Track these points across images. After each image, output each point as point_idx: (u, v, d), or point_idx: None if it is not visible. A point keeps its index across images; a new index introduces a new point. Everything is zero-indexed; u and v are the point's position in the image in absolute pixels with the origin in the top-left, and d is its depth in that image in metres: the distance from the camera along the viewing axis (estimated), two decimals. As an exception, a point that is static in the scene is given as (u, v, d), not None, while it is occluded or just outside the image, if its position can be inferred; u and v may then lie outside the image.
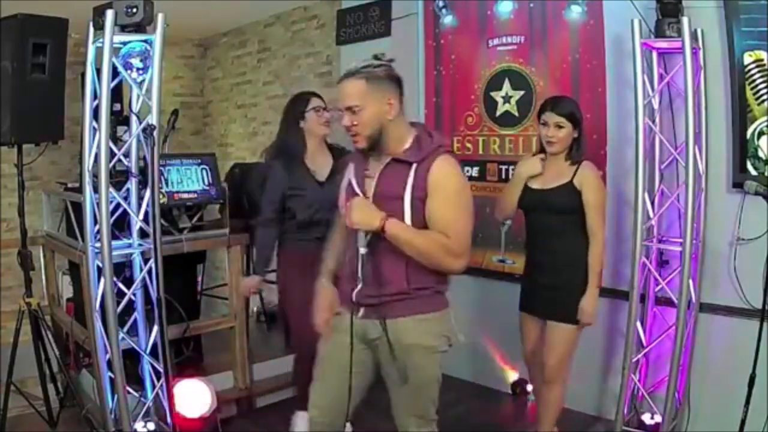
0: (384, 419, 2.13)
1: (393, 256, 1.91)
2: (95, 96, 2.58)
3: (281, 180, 2.87)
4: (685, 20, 2.64)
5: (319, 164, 2.94)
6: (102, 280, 2.59)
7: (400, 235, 1.87)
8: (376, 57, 1.96)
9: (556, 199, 2.62)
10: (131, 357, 2.81)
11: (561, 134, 2.60)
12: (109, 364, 2.66)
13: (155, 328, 2.74)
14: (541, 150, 2.71)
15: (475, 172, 3.79)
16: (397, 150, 1.95)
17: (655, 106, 2.90)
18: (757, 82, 2.71)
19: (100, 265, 2.60)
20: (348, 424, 3.01)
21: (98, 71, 2.56)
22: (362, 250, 1.92)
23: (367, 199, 1.94)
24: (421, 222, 1.91)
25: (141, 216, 2.76)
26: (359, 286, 1.97)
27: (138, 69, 2.65)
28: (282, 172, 2.87)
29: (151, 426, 2.82)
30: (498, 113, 3.67)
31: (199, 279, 3.99)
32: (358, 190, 1.99)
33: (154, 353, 2.76)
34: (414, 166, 1.92)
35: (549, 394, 2.72)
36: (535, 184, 2.68)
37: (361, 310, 1.99)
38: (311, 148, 2.94)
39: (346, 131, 1.96)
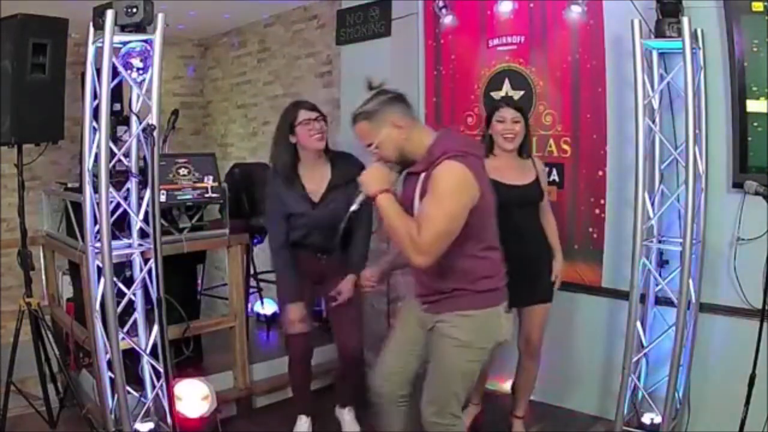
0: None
1: (439, 260, 2.00)
2: (95, 96, 2.57)
3: (280, 203, 2.82)
4: (685, 20, 2.64)
5: (316, 181, 2.82)
6: (102, 280, 2.59)
7: (385, 209, 1.99)
8: (370, 86, 2.11)
9: (530, 194, 2.80)
10: (131, 357, 2.81)
11: (517, 128, 2.76)
12: (109, 364, 2.66)
13: (155, 328, 2.73)
14: (490, 149, 2.82)
15: (475, 172, 3.78)
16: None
17: (655, 106, 2.90)
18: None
19: (100, 265, 2.60)
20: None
21: (98, 71, 2.55)
22: (352, 207, 2.08)
23: (385, 168, 2.07)
24: None
25: (141, 216, 2.76)
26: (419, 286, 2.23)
27: (138, 69, 2.64)
28: (279, 196, 2.82)
29: (151, 426, 2.82)
30: (498, 113, 3.66)
31: (199, 279, 3.99)
32: (416, 203, 2.08)
33: (154, 353, 2.76)
34: (422, 175, 2.05)
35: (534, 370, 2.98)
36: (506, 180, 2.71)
37: (424, 305, 2.22)
38: (307, 162, 2.82)
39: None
